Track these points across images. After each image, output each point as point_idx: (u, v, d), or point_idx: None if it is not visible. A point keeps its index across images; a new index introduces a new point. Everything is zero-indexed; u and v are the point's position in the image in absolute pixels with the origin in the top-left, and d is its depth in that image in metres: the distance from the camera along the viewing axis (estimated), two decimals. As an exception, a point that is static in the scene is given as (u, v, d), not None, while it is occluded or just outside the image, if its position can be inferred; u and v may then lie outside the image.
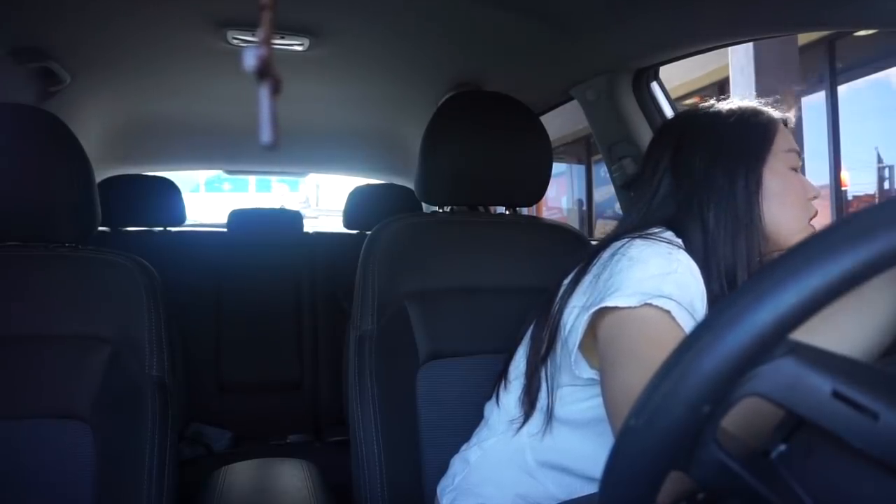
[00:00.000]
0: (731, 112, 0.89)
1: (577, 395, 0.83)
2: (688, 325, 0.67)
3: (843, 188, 5.31)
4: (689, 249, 0.80)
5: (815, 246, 0.33)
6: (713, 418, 0.35)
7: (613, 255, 0.76)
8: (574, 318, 0.76)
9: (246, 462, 1.30)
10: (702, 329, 0.35)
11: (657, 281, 0.69)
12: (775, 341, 0.33)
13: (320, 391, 2.17)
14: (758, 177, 0.83)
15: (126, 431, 0.93)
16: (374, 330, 1.09)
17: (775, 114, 0.89)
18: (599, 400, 0.72)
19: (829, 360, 0.34)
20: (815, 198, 0.87)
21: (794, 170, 0.86)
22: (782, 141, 0.86)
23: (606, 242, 0.82)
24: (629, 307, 0.67)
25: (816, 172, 5.13)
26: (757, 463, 0.36)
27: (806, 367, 0.33)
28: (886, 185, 5.28)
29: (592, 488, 0.82)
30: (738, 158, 0.85)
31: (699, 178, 0.85)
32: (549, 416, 0.85)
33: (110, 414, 0.92)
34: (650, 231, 0.81)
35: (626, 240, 0.78)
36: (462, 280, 1.15)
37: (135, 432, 0.93)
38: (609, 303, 0.68)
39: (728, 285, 0.80)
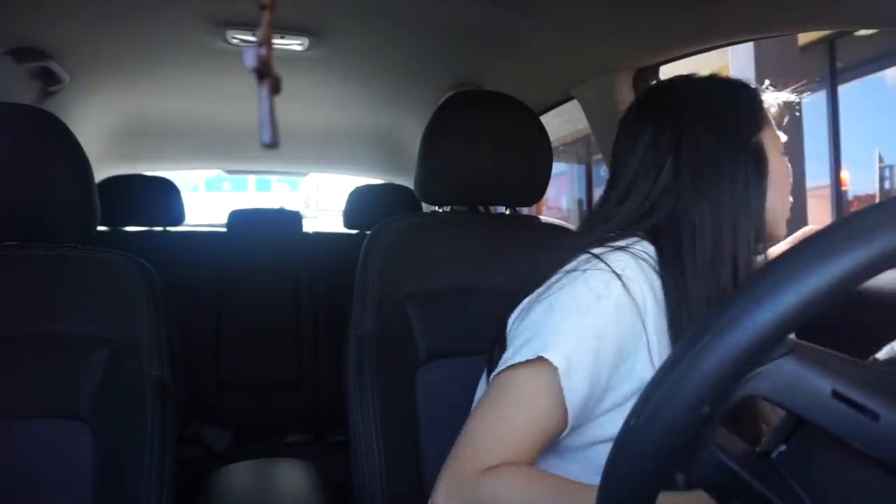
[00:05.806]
0: (715, 83, 0.79)
1: None
2: (576, 386, 0.64)
3: (843, 188, 5.30)
4: (666, 262, 0.71)
5: (815, 246, 0.33)
6: (713, 419, 0.35)
7: (560, 279, 0.71)
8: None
9: (246, 462, 1.30)
10: (702, 330, 0.35)
11: (563, 335, 0.66)
12: (775, 342, 0.33)
13: (320, 391, 2.17)
14: (759, 157, 0.72)
15: (126, 431, 0.93)
16: (373, 330, 1.09)
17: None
18: None
19: (829, 360, 0.34)
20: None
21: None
22: (770, 120, 0.79)
23: (570, 253, 0.73)
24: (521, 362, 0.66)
25: (817, 172, 5.12)
26: (757, 463, 0.36)
27: (806, 368, 0.33)
28: (887, 185, 5.27)
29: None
30: (734, 136, 0.73)
31: (684, 163, 0.73)
32: None
33: (110, 414, 0.91)
34: (619, 243, 0.71)
35: (586, 256, 0.71)
36: (462, 280, 1.15)
37: (135, 432, 0.93)
38: (511, 362, 0.67)
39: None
